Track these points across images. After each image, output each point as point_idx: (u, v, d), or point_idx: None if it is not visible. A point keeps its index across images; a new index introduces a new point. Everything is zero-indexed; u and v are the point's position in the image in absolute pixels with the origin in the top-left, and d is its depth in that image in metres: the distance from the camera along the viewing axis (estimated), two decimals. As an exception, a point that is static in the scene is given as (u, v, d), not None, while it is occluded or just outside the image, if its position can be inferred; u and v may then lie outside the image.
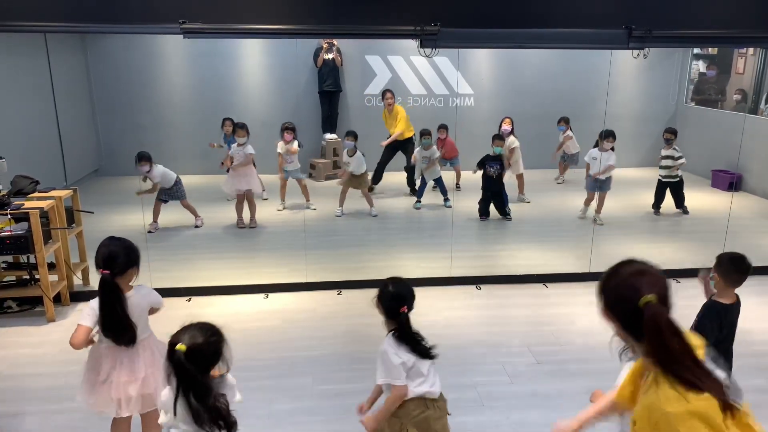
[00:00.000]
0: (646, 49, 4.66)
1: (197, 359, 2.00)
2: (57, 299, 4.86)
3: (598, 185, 7.02)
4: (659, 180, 7.47)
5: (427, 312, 4.71)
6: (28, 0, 4.14)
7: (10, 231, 4.47)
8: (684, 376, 1.46)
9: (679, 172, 7.36)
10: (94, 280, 3.31)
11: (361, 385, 3.77)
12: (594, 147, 7.26)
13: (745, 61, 9.11)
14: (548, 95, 9.78)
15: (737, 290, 3.12)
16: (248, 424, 3.48)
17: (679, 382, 1.46)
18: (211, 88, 9.39)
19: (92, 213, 5.49)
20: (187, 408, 1.98)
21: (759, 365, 3.96)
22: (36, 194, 4.89)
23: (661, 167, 7.39)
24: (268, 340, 4.38)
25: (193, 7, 4.20)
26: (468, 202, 7.66)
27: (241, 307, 4.93)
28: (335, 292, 5.21)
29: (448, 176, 8.16)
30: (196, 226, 6.91)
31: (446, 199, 7.86)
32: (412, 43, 4.63)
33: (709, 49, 9.80)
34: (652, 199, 7.61)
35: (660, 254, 5.96)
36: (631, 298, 1.54)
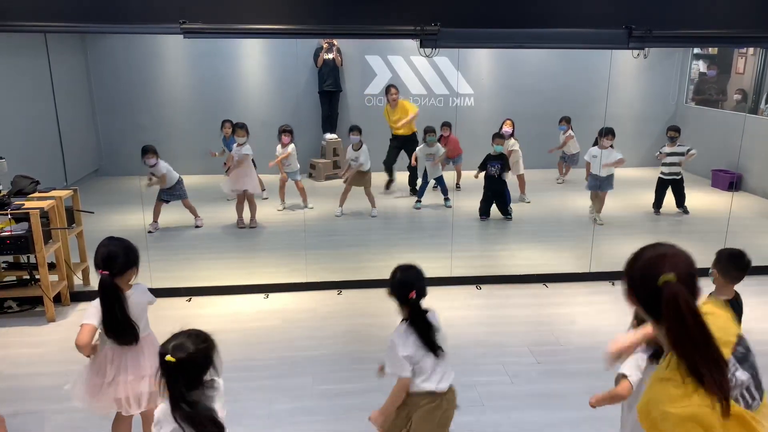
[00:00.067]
0: (646, 49, 4.66)
1: (188, 368, 2.01)
2: (57, 299, 4.86)
3: (598, 184, 7.02)
4: (660, 179, 7.46)
5: (427, 312, 4.71)
6: (28, 0, 4.15)
7: (11, 231, 4.47)
8: (694, 360, 1.44)
9: (681, 168, 7.37)
10: (95, 280, 3.31)
11: (361, 385, 3.78)
12: (593, 145, 7.27)
13: (746, 61, 9.11)
14: (548, 95, 9.78)
15: (737, 287, 3.12)
16: (248, 424, 3.48)
17: (688, 367, 1.44)
18: (211, 88, 9.39)
19: (92, 213, 5.49)
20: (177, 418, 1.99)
21: (759, 365, 3.95)
22: (36, 194, 4.89)
23: (665, 164, 7.37)
24: (268, 340, 4.38)
25: (193, 7, 4.20)
26: (468, 202, 7.66)
27: (241, 307, 4.93)
28: (335, 292, 5.21)
29: (448, 176, 8.17)
30: (197, 227, 6.91)
31: (446, 199, 7.86)
32: (412, 43, 4.63)
33: (709, 49, 9.80)
34: (652, 199, 7.61)
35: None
36: (652, 277, 1.51)
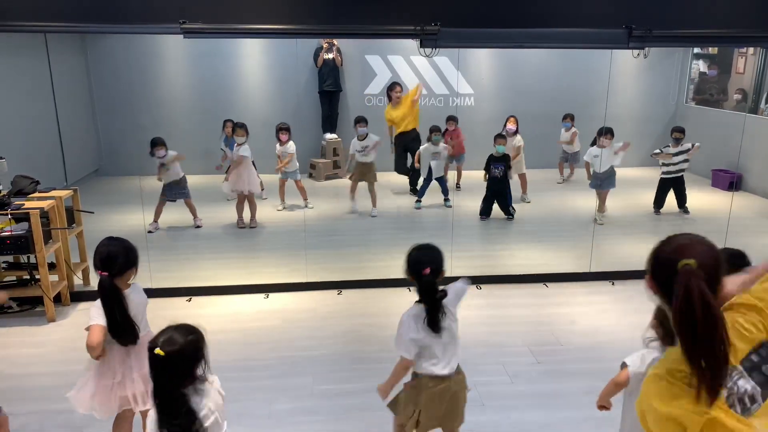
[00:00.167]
0: (646, 48, 4.66)
1: (177, 361, 2.01)
2: (57, 299, 4.86)
3: (599, 183, 7.03)
4: (663, 179, 7.45)
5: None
6: (28, 0, 4.15)
7: (11, 231, 4.47)
8: (693, 348, 1.42)
9: (688, 165, 7.38)
10: (94, 280, 3.31)
11: (361, 385, 3.78)
12: (591, 145, 7.27)
13: (746, 61, 9.11)
14: (548, 95, 9.77)
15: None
16: (248, 424, 3.48)
17: (685, 353, 1.43)
18: (211, 88, 9.38)
19: (92, 213, 5.49)
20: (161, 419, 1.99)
21: None
22: (36, 194, 4.89)
23: (671, 164, 7.34)
24: (268, 340, 4.38)
25: (193, 7, 4.20)
26: (468, 202, 7.66)
27: (241, 307, 4.93)
28: (335, 292, 5.21)
29: (449, 175, 8.17)
30: (197, 227, 6.91)
31: (446, 199, 7.86)
32: (412, 43, 4.63)
33: (709, 48, 9.80)
34: (652, 199, 7.60)
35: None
36: (672, 262, 1.50)
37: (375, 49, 9.58)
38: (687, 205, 7.51)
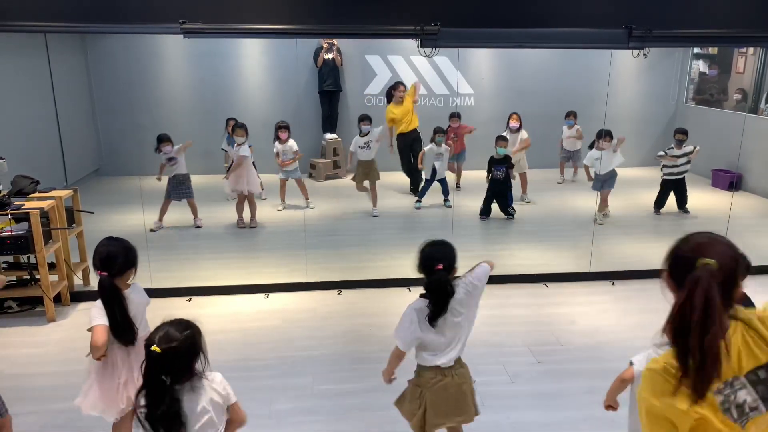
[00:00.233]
0: (646, 48, 4.66)
1: (174, 357, 1.99)
2: (57, 299, 4.86)
3: (600, 184, 7.03)
4: (665, 180, 7.45)
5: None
6: (28, 0, 4.15)
7: (11, 231, 4.47)
8: (687, 344, 1.41)
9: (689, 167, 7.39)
10: (94, 280, 3.31)
11: (361, 385, 3.78)
12: (589, 147, 7.26)
13: (746, 61, 9.11)
14: (548, 95, 9.76)
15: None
16: (248, 424, 3.48)
17: (675, 347, 1.42)
18: (211, 88, 9.38)
19: (92, 213, 5.49)
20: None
21: None
22: (36, 194, 4.89)
23: (673, 166, 7.34)
24: (268, 340, 4.38)
25: (193, 7, 4.20)
26: (468, 202, 7.66)
27: (241, 307, 4.93)
28: (335, 292, 5.21)
29: (448, 176, 8.16)
30: (197, 227, 6.91)
31: (446, 199, 7.86)
32: (412, 43, 4.63)
33: (709, 48, 9.80)
34: (652, 199, 7.60)
35: (661, 254, 5.93)
36: (691, 260, 1.48)
37: (375, 49, 9.58)
38: (687, 205, 7.51)
